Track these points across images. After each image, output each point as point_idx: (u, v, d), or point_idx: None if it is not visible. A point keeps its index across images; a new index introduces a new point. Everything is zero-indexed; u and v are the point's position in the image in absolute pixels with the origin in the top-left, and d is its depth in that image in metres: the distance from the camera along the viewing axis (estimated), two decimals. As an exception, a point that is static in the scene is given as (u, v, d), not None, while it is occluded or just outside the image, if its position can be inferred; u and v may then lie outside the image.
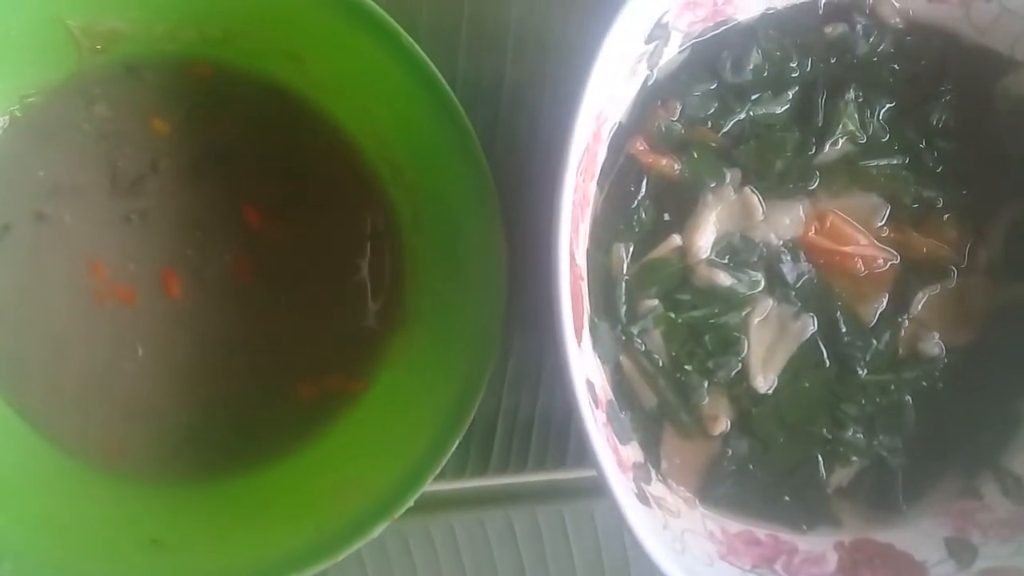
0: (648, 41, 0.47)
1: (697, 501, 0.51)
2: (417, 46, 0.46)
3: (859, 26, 0.51)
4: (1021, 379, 0.53)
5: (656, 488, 0.50)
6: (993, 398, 0.53)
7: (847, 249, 0.51)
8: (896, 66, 0.52)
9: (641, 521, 0.43)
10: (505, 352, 0.55)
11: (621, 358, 0.51)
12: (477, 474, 0.56)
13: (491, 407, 0.56)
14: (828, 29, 0.51)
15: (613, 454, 0.47)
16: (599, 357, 0.50)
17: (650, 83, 0.50)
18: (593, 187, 0.50)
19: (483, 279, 0.48)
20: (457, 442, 0.47)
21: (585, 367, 0.47)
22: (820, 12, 0.52)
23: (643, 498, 0.48)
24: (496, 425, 0.56)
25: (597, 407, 0.47)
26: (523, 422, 0.56)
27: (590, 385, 0.47)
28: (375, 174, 0.51)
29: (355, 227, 0.52)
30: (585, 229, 0.50)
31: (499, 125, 0.56)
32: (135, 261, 0.49)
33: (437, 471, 0.47)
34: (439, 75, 0.46)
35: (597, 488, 0.42)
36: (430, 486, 0.48)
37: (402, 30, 0.46)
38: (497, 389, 0.56)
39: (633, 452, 0.50)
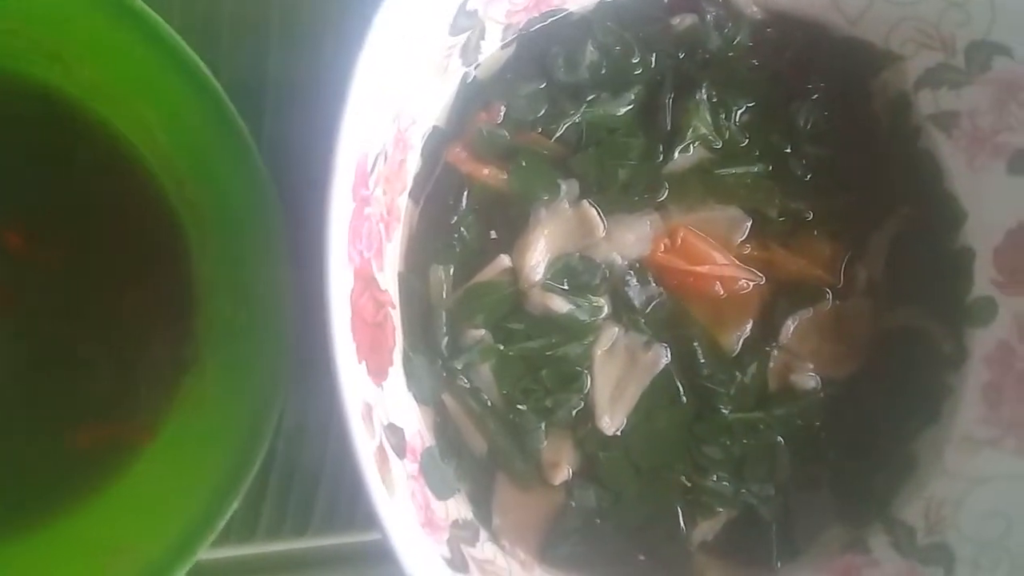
0: (454, 32, 0.41)
1: (535, 563, 0.44)
2: (184, 43, 0.40)
3: (710, 17, 0.46)
4: (911, 416, 0.47)
5: (483, 550, 0.43)
6: (880, 438, 0.47)
7: (702, 269, 0.45)
8: (755, 62, 0.47)
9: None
10: (312, 396, 0.48)
11: (444, 397, 0.44)
12: (270, 537, 0.49)
13: (289, 459, 0.49)
14: (675, 21, 0.46)
15: (420, 512, 0.40)
16: (415, 396, 0.43)
17: (469, 81, 0.44)
18: (404, 200, 0.44)
19: (272, 311, 0.41)
20: (236, 502, 0.40)
21: (389, 409, 0.40)
22: (665, 1, 0.46)
23: (459, 564, 0.41)
24: (293, 479, 0.49)
25: (405, 456, 0.41)
26: (329, 476, 0.49)
27: (396, 430, 0.41)
28: (159, 189, 0.45)
29: (139, 250, 0.45)
30: (394, 249, 0.43)
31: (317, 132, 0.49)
32: None
33: (212, 536, 0.40)
34: (208, 73, 0.40)
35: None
36: (215, 553, 0.41)
37: (165, 23, 0.40)
38: (298, 438, 0.49)
39: (456, 508, 0.43)
